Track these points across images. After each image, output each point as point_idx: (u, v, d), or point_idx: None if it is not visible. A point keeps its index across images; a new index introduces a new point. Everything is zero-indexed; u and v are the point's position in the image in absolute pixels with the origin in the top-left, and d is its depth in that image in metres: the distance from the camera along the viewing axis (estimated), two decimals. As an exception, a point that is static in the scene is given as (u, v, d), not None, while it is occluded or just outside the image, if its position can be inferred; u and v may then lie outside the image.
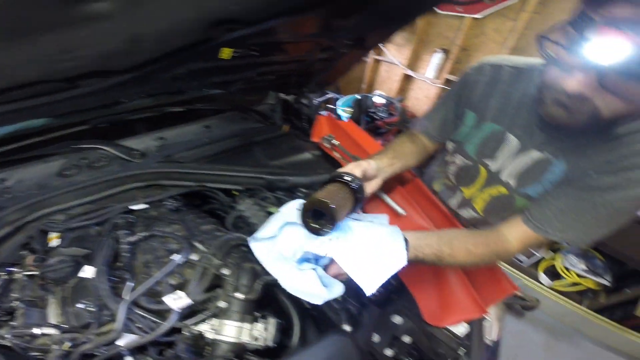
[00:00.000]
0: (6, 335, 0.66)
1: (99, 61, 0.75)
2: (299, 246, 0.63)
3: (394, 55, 3.23)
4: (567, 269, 2.33)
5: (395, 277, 0.82)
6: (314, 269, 0.63)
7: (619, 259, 2.17)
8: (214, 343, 0.69)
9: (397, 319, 0.86)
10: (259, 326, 0.73)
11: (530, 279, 2.33)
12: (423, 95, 3.18)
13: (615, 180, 0.66)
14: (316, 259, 0.65)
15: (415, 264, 0.69)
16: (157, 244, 0.82)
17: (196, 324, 0.71)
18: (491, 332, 0.88)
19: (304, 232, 0.63)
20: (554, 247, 2.52)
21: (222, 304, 0.72)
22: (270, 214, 0.95)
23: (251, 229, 0.91)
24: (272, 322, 0.75)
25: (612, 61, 0.49)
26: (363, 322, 0.84)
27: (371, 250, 0.62)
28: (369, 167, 0.79)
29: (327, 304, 0.79)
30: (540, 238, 0.76)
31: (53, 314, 0.71)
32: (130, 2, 0.59)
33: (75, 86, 0.79)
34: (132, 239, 0.81)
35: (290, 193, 1.08)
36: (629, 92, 0.52)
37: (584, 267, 2.29)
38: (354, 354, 0.72)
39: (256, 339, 0.71)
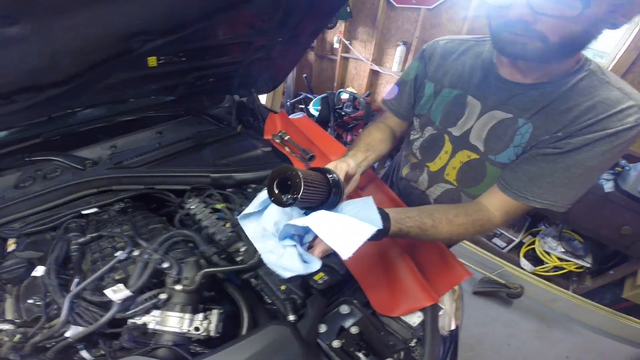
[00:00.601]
0: None
1: (26, 77, 0.83)
2: (279, 221, 0.64)
3: (359, 51, 3.33)
4: (547, 253, 2.35)
5: (343, 268, 0.90)
6: (294, 246, 0.63)
7: (597, 239, 2.19)
8: (156, 333, 0.74)
9: (344, 309, 0.85)
10: (200, 317, 0.76)
11: (512, 265, 2.35)
12: (390, 89, 3.28)
13: (583, 140, 0.70)
14: (300, 237, 0.65)
15: (367, 254, 0.73)
16: (105, 243, 0.89)
17: (138, 315, 0.75)
18: (447, 322, 0.88)
19: (282, 209, 0.62)
20: (532, 231, 2.55)
21: (163, 295, 0.78)
22: (216, 210, 1.03)
23: (199, 226, 0.99)
24: (215, 312, 0.78)
25: None
26: (308, 312, 0.83)
27: (346, 218, 0.61)
28: (349, 168, 0.78)
29: (273, 294, 0.85)
30: (522, 206, 0.79)
31: (9, 310, 0.77)
32: (38, 25, 0.66)
33: (13, 101, 0.86)
34: (82, 240, 0.89)
35: (239, 189, 1.16)
36: (559, 10, 0.58)
37: (562, 249, 2.30)
38: (293, 343, 0.72)
39: (197, 329, 0.74)
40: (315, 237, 0.63)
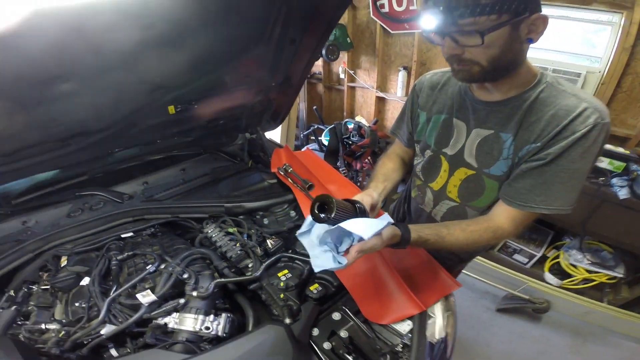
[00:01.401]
0: (22, 332, 0.87)
1: (78, 125, 1.08)
2: (320, 234, 0.78)
3: (364, 80, 3.53)
4: (573, 265, 2.30)
5: (336, 280, 1.03)
6: (330, 250, 0.76)
7: (623, 248, 2.15)
8: (174, 332, 0.87)
9: (336, 316, 0.94)
10: (211, 318, 0.89)
11: (537, 281, 2.31)
12: (397, 114, 3.43)
13: (559, 148, 0.78)
14: (336, 247, 0.78)
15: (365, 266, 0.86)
16: (138, 260, 1.08)
17: (161, 316, 0.89)
18: (437, 331, 0.93)
19: (325, 226, 0.77)
20: (556, 245, 2.51)
21: (182, 300, 0.94)
22: (229, 233, 1.21)
23: (215, 246, 1.16)
24: (223, 316, 0.91)
25: (444, 26, 0.71)
26: (303, 316, 0.93)
27: (366, 219, 0.78)
28: (373, 200, 0.92)
29: (273, 301, 0.98)
30: (529, 214, 0.86)
31: (58, 312, 0.93)
32: (85, 83, 0.89)
33: (68, 144, 1.11)
34: (120, 257, 1.08)
35: (249, 216, 1.34)
36: (471, 42, 0.72)
37: (588, 261, 2.26)
38: (287, 342, 0.80)
39: (208, 328, 0.87)
40: (348, 248, 0.78)
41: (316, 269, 0.75)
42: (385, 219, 0.78)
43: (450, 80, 1.02)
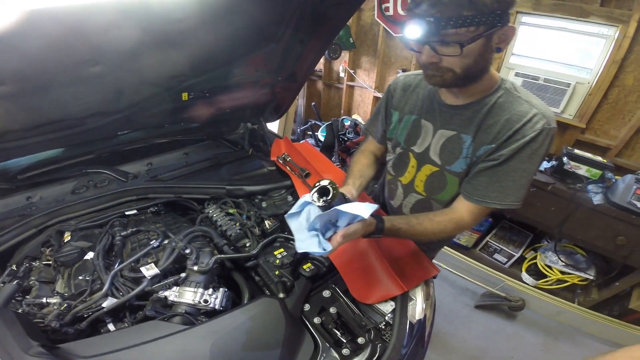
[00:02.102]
0: (22, 306, 0.87)
1: (98, 105, 1.12)
2: (310, 218, 0.81)
3: (363, 80, 3.58)
4: (548, 266, 2.42)
5: (327, 261, 1.08)
6: (316, 235, 0.79)
7: (595, 251, 2.25)
8: (174, 305, 0.89)
9: (326, 293, 1.00)
10: (209, 292, 0.92)
11: (514, 280, 2.39)
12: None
13: (510, 150, 0.86)
14: (323, 232, 0.81)
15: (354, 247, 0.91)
16: (142, 236, 1.11)
17: (162, 289, 0.93)
18: (417, 312, 0.99)
19: (315, 209, 0.81)
20: (535, 247, 2.61)
21: (182, 274, 0.98)
22: (229, 214, 1.26)
23: (215, 225, 1.21)
24: (221, 290, 0.94)
25: (427, 36, 0.75)
26: (295, 292, 0.98)
27: (357, 203, 0.82)
28: (351, 196, 1.01)
29: (269, 277, 1.03)
30: (484, 208, 0.94)
31: (60, 286, 0.94)
32: (113, 66, 0.93)
33: (84, 123, 1.15)
34: (124, 233, 1.11)
35: (249, 199, 1.38)
36: (450, 52, 0.77)
37: (562, 262, 2.35)
38: (280, 314, 0.85)
39: (206, 301, 0.90)
40: (333, 233, 0.82)
41: (299, 251, 0.79)
42: (369, 203, 0.83)
43: (422, 83, 1.08)
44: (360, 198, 1.29)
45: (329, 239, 0.81)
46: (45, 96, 0.96)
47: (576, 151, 2.21)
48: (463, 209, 0.97)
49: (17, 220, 1.10)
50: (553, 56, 2.46)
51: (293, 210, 0.85)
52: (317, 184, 0.79)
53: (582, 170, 2.18)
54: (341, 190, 0.98)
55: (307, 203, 0.83)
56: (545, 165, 2.29)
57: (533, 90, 2.45)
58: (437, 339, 2.12)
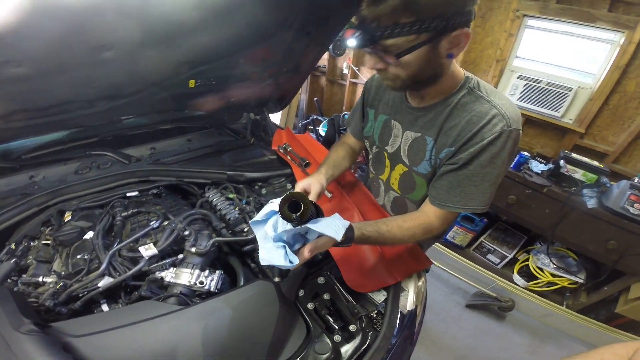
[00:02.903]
0: (18, 285, 0.85)
1: (108, 89, 1.11)
2: (277, 228, 0.74)
3: (367, 77, 3.57)
4: (540, 269, 2.42)
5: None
6: (283, 247, 0.73)
7: (585, 255, 2.24)
8: (169, 285, 0.89)
9: (321, 280, 0.99)
10: (205, 273, 0.92)
11: (505, 281, 2.39)
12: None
13: (469, 154, 0.81)
14: (291, 243, 0.75)
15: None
16: (142, 217, 1.10)
17: (159, 269, 0.92)
18: (408, 302, 0.98)
19: (284, 223, 0.74)
20: (528, 249, 2.60)
21: (180, 255, 0.97)
22: (229, 198, 1.25)
23: (214, 209, 1.20)
24: (217, 273, 0.94)
25: (363, 45, 0.71)
26: (291, 277, 0.98)
27: (329, 219, 0.76)
28: (322, 187, 0.98)
29: None
30: (449, 213, 0.90)
31: (57, 265, 0.93)
32: (125, 52, 0.93)
33: (93, 106, 1.14)
34: (124, 214, 1.10)
35: (249, 185, 1.38)
36: (388, 60, 0.73)
37: (554, 265, 2.35)
38: (274, 298, 0.85)
39: (202, 282, 0.90)
40: (301, 245, 0.77)
41: (263, 262, 0.72)
42: (340, 218, 0.78)
43: None
44: (350, 182, 1.31)
45: (297, 251, 0.76)
46: (58, 78, 0.96)
47: (573, 155, 2.21)
48: (431, 213, 0.93)
49: (19, 199, 1.09)
50: (557, 60, 2.42)
51: (258, 217, 0.79)
52: (287, 196, 0.71)
53: (578, 174, 2.17)
54: (313, 177, 0.98)
55: (273, 212, 0.76)
56: (541, 167, 2.29)
57: (535, 93, 2.43)
58: (428, 337, 2.12)
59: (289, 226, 0.72)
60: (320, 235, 0.75)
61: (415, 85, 0.83)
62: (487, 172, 0.83)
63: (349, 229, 0.82)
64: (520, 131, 0.81)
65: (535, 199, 2.22)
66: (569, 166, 2.17)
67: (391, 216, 1.01)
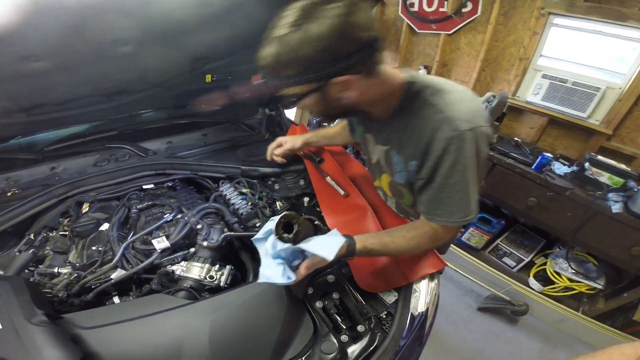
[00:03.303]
0: (34, 275, 0.87)
1: (125, 83, 1.12)
2: (275, 245, 0.75)
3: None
4: (557, 273, 2.32)
5: None
6: (282, 264, 0.74)
7: (606, 260, 2.13)
8: (180, 279, 0.89)
9: (331, 278, 0.97)
10: (215, 268, 0.92)
11: (521, 284, 2.29)
12: (412, 111, 3.40)
13: (428, 167, 0.78)
14: (290, 260, 0.77)
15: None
16: (157, 210, 1.10)
17: (170, 263, 0.92)
18: (419, 304, 0.94)
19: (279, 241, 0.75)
20: (546, 253, 2.50)
21: (192, 249, 0.96)
22: (242, 193, 1.23)
23: (227, 204, 1.18)
24: (227, 268, 0.94)
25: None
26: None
27: (323, 237, 0.78)
28: (294, 146, 1.15)
29: None
30: (441, 226, 0.85)
31: (72, 256, 0.94)
32: (140, 47, 0.93)
33: (111, 100, 1.15)
34: (140, 206, 1.11)
35: (262, 180, 1.36)
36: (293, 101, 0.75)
37: (572, 270, 2.26)
38: (283, 295, 0.84)
39: (212, 277, 0.89)
40: (301, 261, 0.78)
41: (261, 279, 0.73)
42: (337, 234, 0.78)
43: None
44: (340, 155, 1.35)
45: (297, 267, 0.77)
46: (77, 73, 0.97)
47: (599, 157, 2.08)
48: (427, 225, 0.88)
49: (39, 190, 1.11)
50: (584, 59, 2.28)
51: (259, 235, 0.80)
52: (282, 217, 0.73)
53: (604, 177, 2.04)
54: (287, 138, 1.02)
55: (271, 231, 0.77)
56: (565, 170, 2.17)
57: (560, 93, 2.30)
58: (436, 338, 2.06)
59: (286, 244, 0.73)
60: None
61: (338, 117, 0.83)
62: (455, 182, 0.77)
63: (351, 243, 0.81)
64: (480, 128, 0.74)
65: (556, 202, 2.11)
66: (594, 169, 2.05)
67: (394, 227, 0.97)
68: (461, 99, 0.76)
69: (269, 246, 0.74)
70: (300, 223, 0.71)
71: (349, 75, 0.68)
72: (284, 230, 0.72)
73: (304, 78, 0.67)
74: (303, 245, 0.72)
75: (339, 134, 1.26)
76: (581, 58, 2.29)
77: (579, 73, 2.29)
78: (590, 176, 2.03)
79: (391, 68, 0.79)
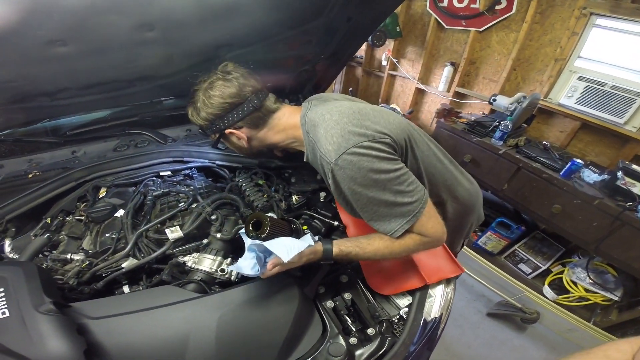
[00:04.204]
0: (47, 261, 0.84)
1: (148, 69, 1.08)
2: (248, 242, 0.78)
3: (407, 70, 3.34)
4: (574, 282, 2.22)
5: None
6: (253, 258, 0.76)
7: (629, 272, 2.02)
8: (191, 271, 0.86)
9: (344, 278, 0.94)
10: (227, 261, 0.89)
11: (534, 292, 2.22)
12: (435, 108, 3.26)
13: (336, 190, 0.82)
14: (265, 257, 0.78)
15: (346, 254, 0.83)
16: (172, 197, 1.06)
17: (183, 253, 0.89)
18: (433, 309, 0.91)
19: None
20: (564, 261, 2.40)
21: (204, 240, 0.93)
22: (258, 184, 1.19)
23: (243, 195, 1.14)
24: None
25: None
26: (313, 273, 0.93)
27: (290, 240, 0.79)
28: None
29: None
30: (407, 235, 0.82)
31: (86, 243, 0.92)
32: (165, 33, 0.89)
33: (133, 85, 1.12)
34: (156, 193, 1.07)
35: (279, 172, 1.30)
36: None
37: (590, 280, 2.15)
38: (294, 294, 0.82)
39: (223, 270, 0.86)
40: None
41: (232, 268, 0.80)
42: (307, 240, 0.81)
43: None
44: None
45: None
46: (101, 57, 0.95)
47: (634, 167, 1.91)
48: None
49: (59, 173, 1.10)
50: (626, 63, 2.09)
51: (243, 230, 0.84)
52: (251, 215, 0.80)
53: (637, 188, 1.88)
54: None
55: None
56: (595, 177, 2.01)
57: (597, 97, 2.13)
58: (441, 341, 1.95)
59: (256, 240, 0.77)
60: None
61: (256, 157, 0.97)
62: (366, 203, 0.79)
63: (327, 247, 0.83)
64: (348, 151, 0.75)
65: (583, 210, 1.97)
66: (627, 178, 1.89)
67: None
68: (326, 127, 0.80)
69: (247, 240, 0.79)
70: (266, 224, 0.77)
71: (235, 130, 0.94)
72: (253, 227, 0.78)
73: (208, 129, 0.97)
74: (266, 243, 0.75)
75: None
76: (622, 61, 2.12)
77: (619, 76, 2.11)
78: (623, 186, 1.88)
79: (289, 112, 0.96)
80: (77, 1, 0.73)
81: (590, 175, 2.02)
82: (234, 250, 0.96)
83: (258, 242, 0.76)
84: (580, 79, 2.18)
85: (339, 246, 0.83)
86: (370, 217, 0.81)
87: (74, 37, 0.83)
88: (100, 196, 1.06)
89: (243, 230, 0.81)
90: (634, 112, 2.02)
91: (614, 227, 1.88)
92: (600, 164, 2.25)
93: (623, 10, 1.96)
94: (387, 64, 3.49)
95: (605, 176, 2.00)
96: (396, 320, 0.86)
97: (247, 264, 0.75)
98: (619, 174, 1.89)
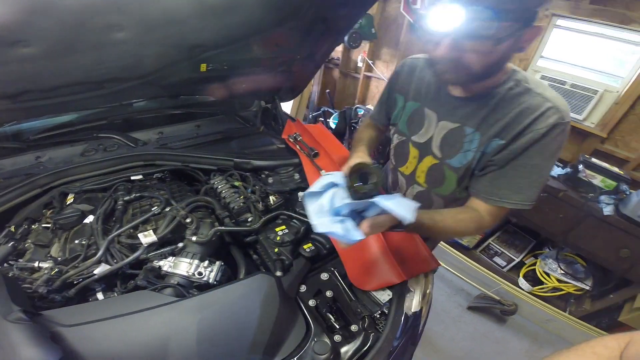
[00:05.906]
0: (14, 269, 0.81)
1: (118, 70, 1.06)
2: (335, 201, 0.66)
3: (382, 71, 3.45)
4: (547, 274, 2.35)
5: (329, 243, 1.02)
6: (341, 221, 0.65)
7: (595, 261, 2.18)
8: (167, 275, 0.85)
9: (324, 276, 0.95)
10: (205, 264, 0.88)
11: (510, 284, 2.33)
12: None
13: (517, 146, 0.79)
14: (353, 217, 0.67)
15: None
16: (145, 202, 1.05)
17: (157, 258, 0.88)
18: (413, 304, 0.93)
19: (344, 194, 0.67)
20: (535, 253, 2.53)
21: (180, 244, 0.92)
22: (234, 186, 1.19)
23: (219, 197, 1.14)
24: (217, 264, 0.89)
25: (458, 27, 0.64)
26: (293, 272, 0.93)
27: (398, 197, 0.66)
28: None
29: (267, 254, 0.97)
30: (496, 208, 0.85)
31: (54, 250, 0.88)
32: (136, 33, 0.88)
33: (102, 87, 1.09)
34: (127, 198, 1.06)
35: (255, 174, 1.31)
36: (478, 47, 0.67)
37: (561, 271, 2.30)
38: (275, 293, 0.80)
39: (200, 273, 0.85)
40: (361, 220, 0.68)
41: (319, 230, 0.64)
42: (404, 197, 0.70)
43: (429, 69, 0.96)
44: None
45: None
46: (68, 59, 0.93)
47: (593, 160, 2.09)
48: (480, 208, 0.87)
49: (22, 179, 1.05)
50: (584, 61, 2.29)
51: (313, 189, 0.71)
52: (356, 166, 0.64)
53: (597, 180, 2.06)
54: (356, 156, 0.94)
55: (332, 184, 0.69)
56: (558, 171, 2.18)
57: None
58: (425, 337, 2.05)
59: (347, 200, 0.64)
60: (381, 212, 0.65)
61: (477, 79, 0.77)
62: (535, 164, 0.80)
63: None
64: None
65: (549, 203, 2.13)
66: (587, 171, 2.06)
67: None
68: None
69: (325, 201, 0.66)
70: (377, 174, 0.62)
71: (537, 25, 0.68)
72: (359, 179, 0.63)
73: (524, 15, 0.65)
74: (382, 199, 0.61)
75: (377, 136, 1.22)
76: (581, 60, 2.30)
77: (578, 75, 2.30)
78: (584, 178, 2.05)
79: None
80: (41, 1, 0.72)
81: (554, 169, 2.18)
82: (211, 253, 0.97)
83: (353, 202, 0.64)
84: (543, 78, 2.35)
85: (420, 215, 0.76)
86: (509, 176, 0.82)
87: (39, 37, 0.81)
88: (68, 202, 1.03)
89: (310, 189, 0.71)
90: (592, 108, 2.21)
91: (578, 218, 2.03)
92: (563, 158, 2.43)
93: (582, 11, 2.13)
94: (362, 66, 3.59)
95: (568, 170, 2.17)
96: (378, 316, 0.89)
97: (340, 227, 0.63)
98: (580, 167, 2.07)
